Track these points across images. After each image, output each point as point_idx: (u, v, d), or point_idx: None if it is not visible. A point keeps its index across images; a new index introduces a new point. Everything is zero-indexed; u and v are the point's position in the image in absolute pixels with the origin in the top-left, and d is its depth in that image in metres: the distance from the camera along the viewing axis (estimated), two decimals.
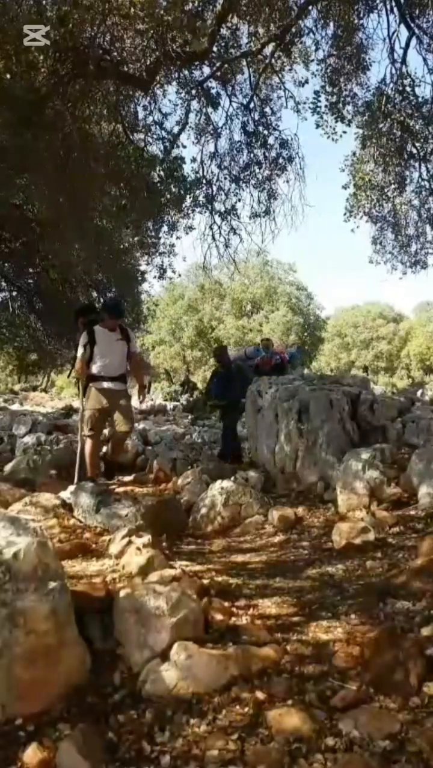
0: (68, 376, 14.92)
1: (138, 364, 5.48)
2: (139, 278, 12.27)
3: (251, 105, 8.77)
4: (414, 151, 8.74)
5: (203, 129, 9.10)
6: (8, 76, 4.79)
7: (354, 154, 9.20)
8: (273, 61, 8.27)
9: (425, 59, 8.00)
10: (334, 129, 8.29)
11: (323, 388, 5.36)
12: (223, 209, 9.44)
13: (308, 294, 33.07)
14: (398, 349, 38.29)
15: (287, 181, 8.97)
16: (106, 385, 4.99)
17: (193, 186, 9.09)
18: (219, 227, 9.51)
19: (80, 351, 5.09)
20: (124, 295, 11.12)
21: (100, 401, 4.98)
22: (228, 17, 6.66)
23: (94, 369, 5.01)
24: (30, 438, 6.87)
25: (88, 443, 4.99)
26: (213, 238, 9.51)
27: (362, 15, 7.64)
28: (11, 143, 5.61)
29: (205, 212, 9.54)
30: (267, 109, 8.99)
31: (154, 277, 10.87)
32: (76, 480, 4.76)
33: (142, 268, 11.90)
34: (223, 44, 7.56)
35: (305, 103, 8.50)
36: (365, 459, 4.05)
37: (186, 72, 7.67)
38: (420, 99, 8.10)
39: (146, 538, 2.55)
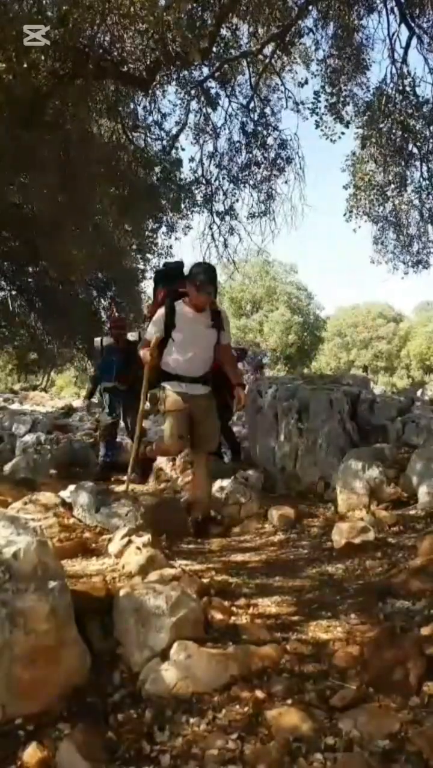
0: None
1: (230, 362, 4.04)
2: (139, 277, 12.29)
3: (251, 105, 8.77)
4: (415, 150, 8.75)
5: (202, 129, 9.11)
6: (9, 76, 4.78)
7: (354, 154, 9.21)
8: (273, 61, 8.28)
9: (425, 59, 8.01)
10: (333, 130, 8.30)
11: (323, 387, 5.36)
12: (222, 209, 9.45)
13: (308, 293, 33.08)
14: (398, 349, 38.29)
15: (286, 182, 9.00)
16: (185, 388, 3.79)
17: (191, 186, 9.10)
18: (218, 227, 9.53)
19: (152, 329, 3.79)
20: (123, 294, 11.14)
21: (179, 401, 3.79)
22: (228, 17, 6.66)
23: (170, 364, 3.78)
24: (30, 437, 6.85)
25: (167, 445, 3.93)
26: (212, 237, 9.54)
27: (362, 15, 7.65)
28: (11, 143, 5.61)
29: (204, 212, 9.56)
30: (267, 110, 9.00)
31: (153, 277, 10.92)
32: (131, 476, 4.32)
33: (142, 267, 11.94)
34: (223, 44, 7.56)
35: (304, 103, 8.51)
36: (365, 459, 4.05)
37: (186, 72, 7.67)
38: (420, 99, 8.12)
39: (146, 537, 2.55)
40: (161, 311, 3.76)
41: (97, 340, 6.67)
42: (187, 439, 3.82)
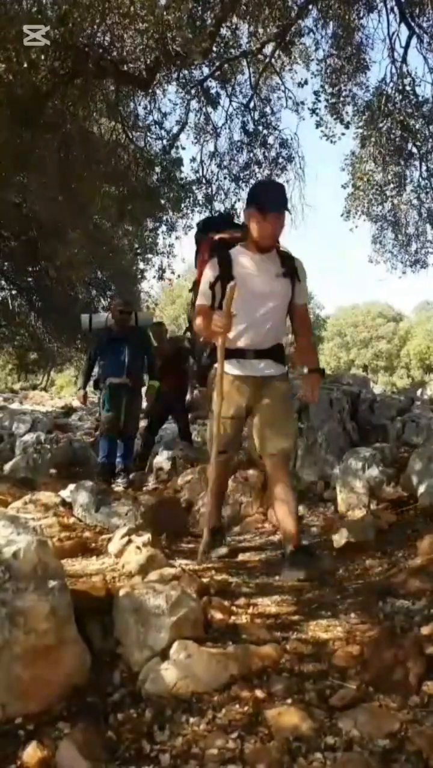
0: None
1: (307, 332, 3.06)
2: (139, 277, 12.30)
3: (251, 105, 8.78)
4: (414, 150, 8.75)
5: (203, 128, 9.12)
6: (9, 76, 4.79)
7: (354, 153, 9.22)
8: (273, 60, 8.28)
9: (425, 58, 8.02)
10: (333, 131, 8.31)
11: (323, 387, 5.35)
12: (222, 209, 9.45)
13: (308, 293, 33.12)
14: (398, 349, 38.30)
15: (287, 181, 8.99)
16: (249, 368, 2.86)
17: (192, 186, 9.11)
18: None
19: (204, 287, 2.83)
20: (123, 294, 11.14)
21: (235, 400, 2.85)
22: (228, 17, 6.66)
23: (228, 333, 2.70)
24: (30, 437, 6.86)
25: (213, 471, 2.93)
26: None
27: (362, 15, 7.65)
28: (11, 142, 5.61)
29: (204, 212, 9.56)
30: (267, 109, 9.01)
31: (153, 277, 10.95)
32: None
33: (141, 266, 11.96)
34: (223, 44, 7.56)
35: (304, 103, 8.52)
36: (365, 458, 4.05)
37: (186, 71, 7.67)
38: (420, 98, 8.12)
39: (146, 536, 2.55)
40: (211, 263, 2.80)
41: (86, 317, 5.80)
42: (236, 452, 2.99)
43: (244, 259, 2.81)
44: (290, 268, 2.84)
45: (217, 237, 2.94)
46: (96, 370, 5.67)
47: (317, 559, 2.82)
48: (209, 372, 3.03)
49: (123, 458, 5.67)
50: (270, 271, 2.81)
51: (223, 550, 3.14)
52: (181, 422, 7.07)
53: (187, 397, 7.17)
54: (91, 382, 5.77)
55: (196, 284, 3.08)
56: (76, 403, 15.10)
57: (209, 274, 2.82)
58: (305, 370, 2.98)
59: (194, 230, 3.49)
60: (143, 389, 5.90)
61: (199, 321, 2.83)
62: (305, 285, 2.95)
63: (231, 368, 2.83)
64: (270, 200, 2.71)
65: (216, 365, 2.80)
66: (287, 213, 2.77)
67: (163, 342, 6.73)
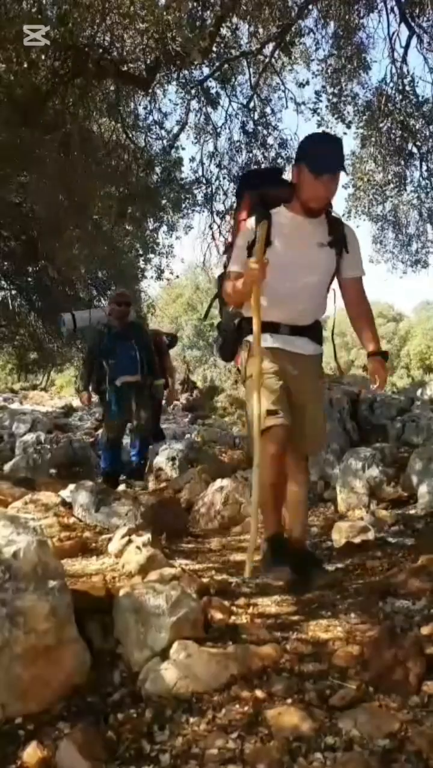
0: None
1: (363, 302, 2.62)
2: (139, 276, 12.30)
3: (251, 105, 8.78)
4: (414, 150, 8.75)
5: (203, 128, 9.12)
6: (9, 76, 4.79)
7: (354, 153, 9.22)
8: (273, 60, 8.28)
9: (425, 58, 8.01)
10: (334, 130, 8.30)
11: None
12: (222, 209, 9.46)
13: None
14: (398, 349, 38.27)
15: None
16: (282, 342, 2.48)
17: (192, 186, 9.11)
18: (218, 227, 9.53)
19: (238, 251, 2.47)
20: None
21: (275, 370, 2.43)
22: (228, 17, 6.66)
23: (262, 303, 2.35)
24: (30, 437, 6.86)
25: (262, 448, 2.28)
26: (213, 237, 9.54)
27: (362, 15, 7.65)
28: (11, 142, 5.62)
29: (204, 212, 9.57)
30: (267, 109, 9.01)
31: (152, 277, 10.96)
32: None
33: (141, 266, 11.95)
34: (223, 44, 7.56)
35: (305, 103, 8.51)
36: (365, 458, 4.06)
37: (186, 72, 7.67)
38: (420, 98, 8.12)
39: (146, 536, 2.55)
40: (249, 223, 2.43)
41: (68, 317, 5.57)
42: (289, 420, 2.35)
43: (286, 222, 2.42)
44: (339, 237, 2.46)
45: (258, 193, 2.52)
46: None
47: (312, 573, 2.51)
48: (240, 347, 2.63)
49: (138, 456, 5.38)
50: (315, 238, 2.44)
51: (285, 573, 2.35)
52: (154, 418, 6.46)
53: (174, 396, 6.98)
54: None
55: (230, 247, 2.69)
56: (76, 403, 15.11)
57: (245, 236, 2.45)
58: (368, 355, 2.51)
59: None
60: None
61: (230, 285, 2.47)
62: (357, 255, 2.54)
63: (266, 339, 2.41)
64: (325, 158, 2.31)
65: (249, 338, 2.47)
66: (342, 173, 2.43)
67: None
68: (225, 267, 2.73)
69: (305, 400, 2.53)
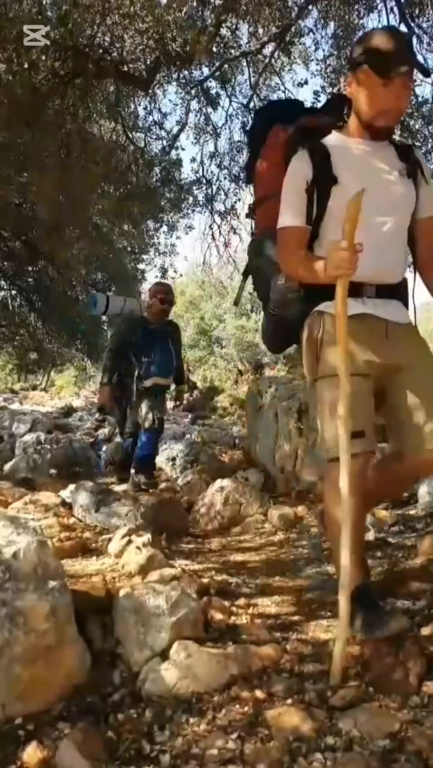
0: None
1: None
2: (140, 277, 12.31)
3: (251, 105, 8.77)
4: None
5: (203, 129, 9.12)
6: (9, 76, 4.79)
7: None
8: (273, 61, 8.27)
9: (425, 59, 7.99)
10: None
11: None
12: (223, 209, 9.46)
13: None
14: None
15: None
16: (371, 306, 1.91)
17: (192, 186, 9.11)
18: (219, 227, 9.54)
19: (291, 196, 1.88)
20: (123, 294, 11.15)
21: (358, 352, 1.85)
22: (228, 17, 6.66)
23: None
24: (30, 437, 6.86)
25: (344, 477, 1.62)
26: (213, 237, 9.55)
27: (362, 15, 7.64)
28: (11, 142, 5.62)
29: (205, 212, 9.57)
30: None
31: (156, 276, 10.97)
32: None
33: (141, 267, 11.96)
34: (223, 44, 7.56)
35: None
36: None
37: (186, 72, 7.67)
38: (420, 98, 8.11)
39: (146, 537, 2.55)
40: (299, 159, 1.85)
41: (102, 297, 5.09)
42: (375, 439, 1.94)
43: (348, 152, 1.86)
44: (413, 164, 1.92)
45: (296, 126, 1.98)
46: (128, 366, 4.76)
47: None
48: (301, 319, 1.98)
49: (144, 449, 4.94)
50: (387, 167, 1.89)
51: (395, 623, 1.77)
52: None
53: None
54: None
55: (256, 205, 2.21)
56: (76, 403, 15.11)
57: (299, 174, 1.84)
58: None
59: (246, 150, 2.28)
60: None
61: (292, 255, 1.87)
62: None
63: (350, 305, 1.73)
64: (394, 55, 1.72)
65: (323, 308, 1.89)
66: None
67: None
68: (253, 234, 2.29)
69: (421, 385, 1.87)
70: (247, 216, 2.41)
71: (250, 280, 2.36)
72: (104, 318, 5.19)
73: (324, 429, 1.91)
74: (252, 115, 2.18)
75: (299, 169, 1.87)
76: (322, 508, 1.92)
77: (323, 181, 1.82)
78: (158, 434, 4.94)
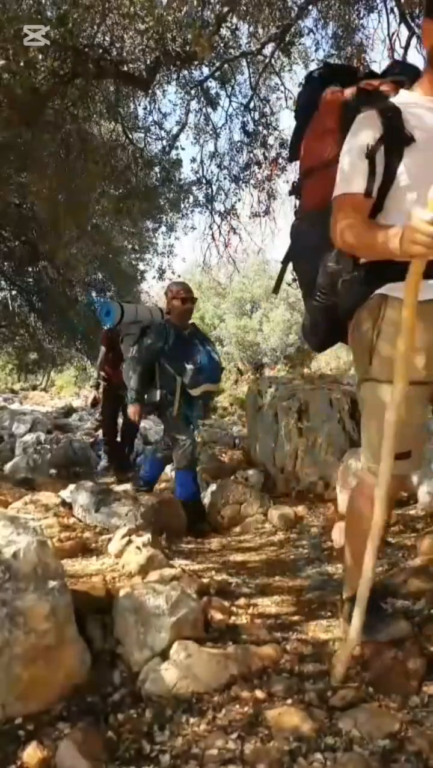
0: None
1: None
2: (139, 278, 12.30)
3: (251, 105, 8.78)
4: None
5: (203, 129, 9.12)
6: (8, 76, 4.78)
7: None
8: (273, 61, 8.27)
9: (425, 59, 8.00)
10: None
11: (323, 387, 5.36)
12: (222, 209, 9.46)
13: None
14: None
15: (287, 181, 8.98)
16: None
17: (192, 186, 9.11)
18: (219, 227, 9.54)
19: (352, 160, 1.57)
20: (123, 294, 11.14)
21: (422, 352, 1.57)
22: (228, 17, 6.66)
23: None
24: (30, 437, 6.87)
25: (366, 497, 1.68)
26: (213, 237, 9.55)
27: (361, 15, 7.64)
28: (11, 142, 5.62)
29: (204, 212, 9.57)
30: (267, 109, 9.01)
31: (153, 277, 10.98)
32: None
33: (141, 267, 11.97)
34: (223, 44, 7.56)
35: None
36: None
37: (186, 72, 7.67)
38: None
39: (146, 537, 2.55)
40: (367, 120, 1.59)
41: (116, 308, 4.58)
42: (418, 459, 1.73)
43: (423, 110, 1.59)
44: None
45: (356, 87, 1.73)
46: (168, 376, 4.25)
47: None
48: (357, 303, 1.69)
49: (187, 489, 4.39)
50: None
51: (396, 629, 1.79)
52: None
53: None
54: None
55: (302, 179, 1.96)
56: (76, 404, 15.11)
57: (363, 135, 1.58)
58: None
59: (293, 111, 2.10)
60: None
61: (351, 226, 1.55)
62: None
63: (401, 293, 1.47)
64: None
65: (385, 290, 1.61)
66: None
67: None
68: (296, 213, 2.02)
69: None
70: (290, 193, 2.18)
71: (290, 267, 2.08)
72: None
73: (367, 437, 1.73)
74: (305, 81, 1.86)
75: (364, 130, 1.58)
76: (348, 509, 1.91)
77: (393, 144, 1.55)
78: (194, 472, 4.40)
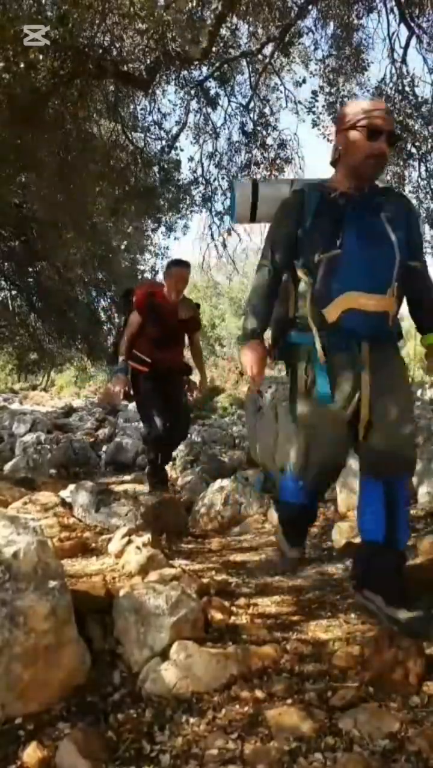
0: None
1: None
2: (139, 277, 12.31)
3: (250, 105, 8.77)
4: (413, 150, 8.74)
5: (202, 129, 9.11)
6: (8, 76, 4.78)
7: None
8: (272, 61, 8.27)
9: (425, 59, 8.00)
10: (331, 130, 8.29)
11: None
12: (221, 209, 9.45)
13: None
14: None
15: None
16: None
17: (191, 186, 9.10)
18: (218, 227, 9.53)
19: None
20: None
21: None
22: (228, 17, 6.66)
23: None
24: (30, 437, 6.87)
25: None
26: (212, 237, 9.54)
27: (361, 15, 7.64)
28: (11, 142, 5.61)
29: (203, 212, 9.57)
30: (266, 110, 9.00)
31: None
32: None
33: (141, 267, 11.97)
34: (222, 44, 7.55)
35: (302, 103, 8.50)
36: None
37: (186, 72, 7.67)
38: (420, 99, 8.11)
39: (146, 537, 2.55)
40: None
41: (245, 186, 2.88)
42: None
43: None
44: None
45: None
46: None
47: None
48: None
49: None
50: None
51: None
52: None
53: None
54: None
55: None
56: (76, 404, 15.10)
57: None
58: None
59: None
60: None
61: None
62: None
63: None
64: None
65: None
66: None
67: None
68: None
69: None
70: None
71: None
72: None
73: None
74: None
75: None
76: None
77: None
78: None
